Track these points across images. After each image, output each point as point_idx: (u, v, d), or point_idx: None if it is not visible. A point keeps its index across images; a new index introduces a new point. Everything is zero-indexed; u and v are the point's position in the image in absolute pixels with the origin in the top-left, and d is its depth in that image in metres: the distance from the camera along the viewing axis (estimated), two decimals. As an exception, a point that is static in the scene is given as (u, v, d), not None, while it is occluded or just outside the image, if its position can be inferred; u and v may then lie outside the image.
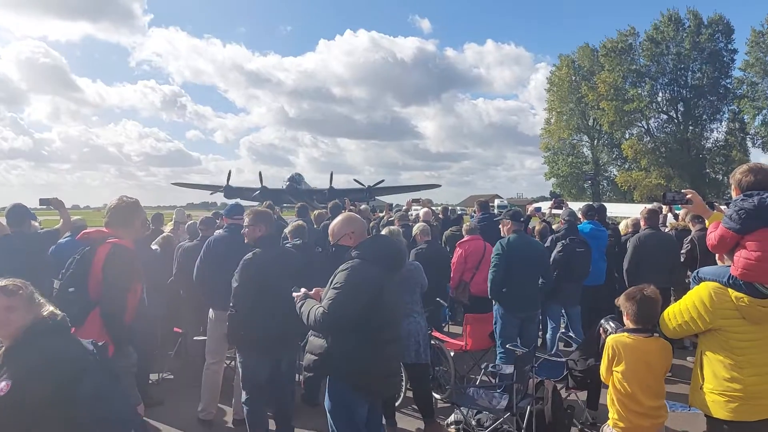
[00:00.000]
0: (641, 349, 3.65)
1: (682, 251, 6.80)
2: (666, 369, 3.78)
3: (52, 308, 2.79)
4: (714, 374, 3.35)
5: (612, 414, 3.74)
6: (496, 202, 52.27)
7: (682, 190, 3.81)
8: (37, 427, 2.49)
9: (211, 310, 6.01)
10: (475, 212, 10.81)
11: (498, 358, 6.39)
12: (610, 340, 3.76)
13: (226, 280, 5.85)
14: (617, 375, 3.67)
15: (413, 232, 8.12)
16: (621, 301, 3.82)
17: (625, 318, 3.81)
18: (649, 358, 3.66)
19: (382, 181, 51.00)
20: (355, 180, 51.52)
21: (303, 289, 3.96)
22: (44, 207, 6.76)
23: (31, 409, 2.46)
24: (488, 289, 6.58)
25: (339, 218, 4.15)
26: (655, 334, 3.73)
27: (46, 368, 2.54)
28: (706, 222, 3.73)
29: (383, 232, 5.74)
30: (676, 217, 9.64)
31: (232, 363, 6.38)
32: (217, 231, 6.64)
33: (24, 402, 2.44)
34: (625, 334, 3.72)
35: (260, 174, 50.52)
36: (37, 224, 8.01)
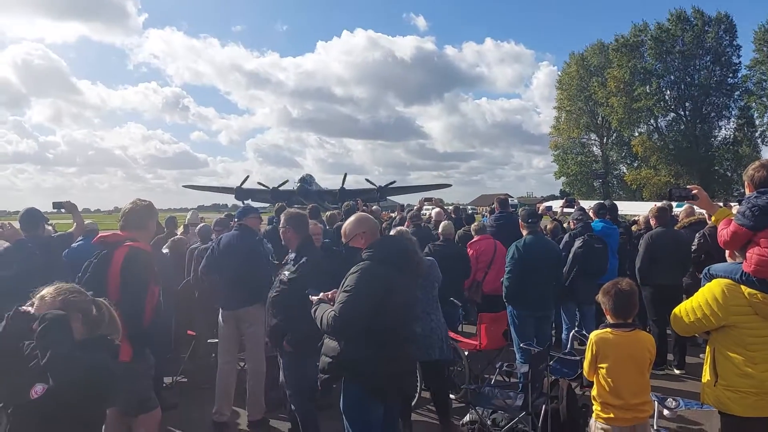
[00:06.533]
0: (623, 344, 3.69)
1: (693, 245, 6.78)
2: (650, 361, 3.80)
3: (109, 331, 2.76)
4: (727, 370, 3.36)
5: (596, 407, 3.78)
6: (506, 201, 51.77)
7: (688, 186, 3.83)
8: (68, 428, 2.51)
9: (220, 310, 6.05)
10: (487, 212, 10.76)
11: (518, 357, 6.40)
12: (593, 337, 3.79)
13: (228, 279, 5.90)
14: (602, 371, 3.70)
15: (439, 230, 8.04)
16: (599, 297, 3.87)
17: (605, 314, 3.85)
18: (633, 351, 3.70)
19: (394, 182, 50.32)
20: (366, 180, 51.16)
21: (322, 293, 3.94)
22: (57, 210, 6.80)
23: (63, 412, 2.47)
24: (503, 293, 6.58)
25: (351, 219, 4.13)
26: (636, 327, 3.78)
27: (87, 380, 2.52)
28: (712, 218, 3.74)
29: (392, 233, 5.70)
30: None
31: (244, 365, 6.42)
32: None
33: (57, 406, 2.43)
34: (608, 329, 3.76)
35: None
36: (50, 228, 8.07)
